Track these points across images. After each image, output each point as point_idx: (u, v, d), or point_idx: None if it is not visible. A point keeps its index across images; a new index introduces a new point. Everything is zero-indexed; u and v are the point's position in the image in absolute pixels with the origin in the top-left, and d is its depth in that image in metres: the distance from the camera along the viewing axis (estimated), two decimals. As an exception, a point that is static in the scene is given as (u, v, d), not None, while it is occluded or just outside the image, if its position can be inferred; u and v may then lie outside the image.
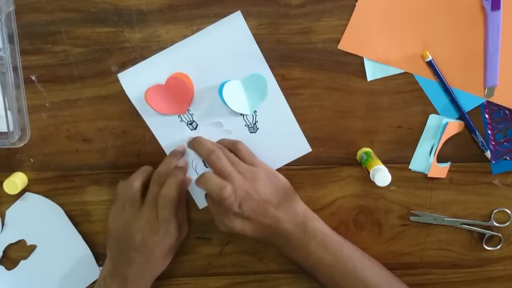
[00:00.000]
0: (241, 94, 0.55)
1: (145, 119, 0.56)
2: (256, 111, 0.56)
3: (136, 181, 0.54)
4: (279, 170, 0.58)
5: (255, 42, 0.53)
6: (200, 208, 0.59)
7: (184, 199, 0.58)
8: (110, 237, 0.55)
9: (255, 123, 0.57)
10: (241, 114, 0.56)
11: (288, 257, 0.56)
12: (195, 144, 0.55)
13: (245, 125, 0.57)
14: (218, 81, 0.54)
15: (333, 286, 0.55)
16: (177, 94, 0.54)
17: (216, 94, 0.55)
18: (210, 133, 0.57)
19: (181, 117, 0.56)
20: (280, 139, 0.58)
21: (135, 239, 0.53)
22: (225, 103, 0.54)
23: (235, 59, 0.54)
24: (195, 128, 0.56)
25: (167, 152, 0.57)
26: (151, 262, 0.54)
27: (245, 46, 0.54)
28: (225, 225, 0.53)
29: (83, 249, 0.60)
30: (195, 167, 0.58)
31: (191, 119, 0.56)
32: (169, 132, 0.56)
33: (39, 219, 0.59)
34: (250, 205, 0.51)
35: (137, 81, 0.54)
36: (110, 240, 0.55)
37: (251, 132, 0.57)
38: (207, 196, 0.56)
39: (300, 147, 0.58)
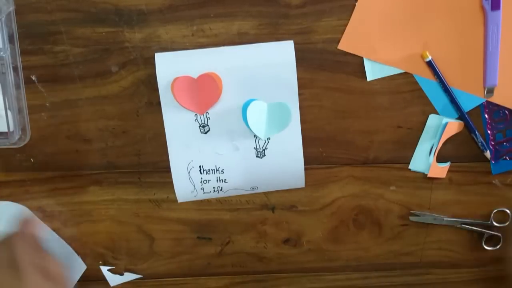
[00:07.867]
0: (262, 117, 0.54)
1: (162, 107, 0.55)
2: (269, 138, 0.56)
3: None
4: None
5: (295, 74, 0.54)
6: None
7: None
8: None
9: (264, 149, 0.56)
10: (254, 135, 0.56)
11: None
12: None
13: (254, 148, 0.56)
14: (245, 96, 0.54)
15: None
16: (204, 92, 0.53)
17: (239, 107, 0.54)
18: (217, 142, 0.56)
19: (197, 116, 0.55)
20: (281, 171, 0.57)
21: None
22: (245, 119, 0.53)
23: (271, 83, 0.54)
24: (206, 133, 0.56)
25: (170, 145, 0.56)
26: None
27: (285, 74, 0.54)
28: None
29: (62, 247, 0.58)
30: (190, 170, 0.57)
31: (206, 123, 0.55)
32: (179, 128, 0.55)
33: (9, 226, 0.56)
34: None
35: (172, 66, 0.53)
36: None
37: (257, 156, 0.57)
38: None
39: (295, 181, 0.58)
